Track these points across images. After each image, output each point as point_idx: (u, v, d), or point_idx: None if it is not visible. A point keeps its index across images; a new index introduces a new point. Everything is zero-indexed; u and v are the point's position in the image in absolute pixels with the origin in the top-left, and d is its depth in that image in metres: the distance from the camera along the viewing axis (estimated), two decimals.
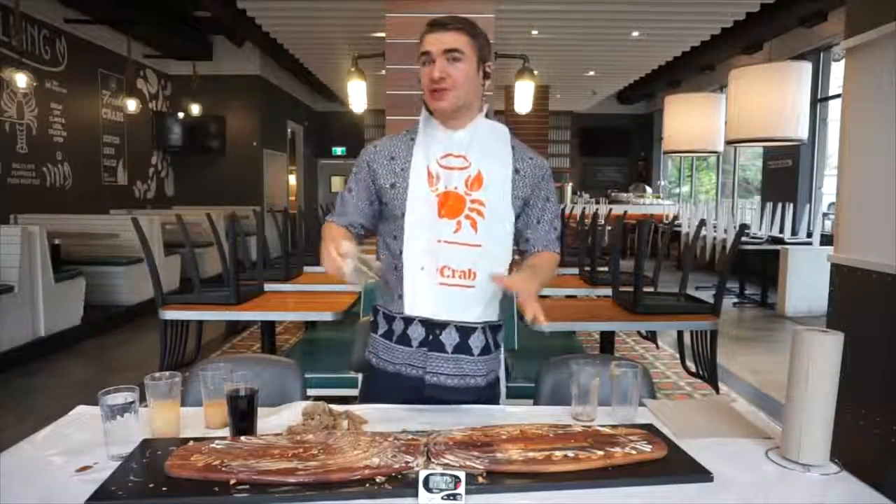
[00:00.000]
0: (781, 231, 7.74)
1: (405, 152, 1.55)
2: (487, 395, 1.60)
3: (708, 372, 3.08)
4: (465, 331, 1.53)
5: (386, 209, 1.56)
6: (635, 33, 6.86)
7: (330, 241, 1.38)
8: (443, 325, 1.52)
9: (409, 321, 1.53)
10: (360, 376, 2.92)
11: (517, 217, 1.57)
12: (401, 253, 1.51)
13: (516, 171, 1.55)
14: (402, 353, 1.56)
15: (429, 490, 1.05)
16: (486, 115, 1.56)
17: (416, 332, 1.54)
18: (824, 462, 1.21)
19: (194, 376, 1.60)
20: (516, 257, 1.63)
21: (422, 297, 1.49)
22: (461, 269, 1.48)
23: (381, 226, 1.61)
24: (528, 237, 1.60)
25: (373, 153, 1.58)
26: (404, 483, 1.09)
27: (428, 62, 1.46)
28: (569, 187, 12.63)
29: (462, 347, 1.54)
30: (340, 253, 1.34)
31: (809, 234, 7.36)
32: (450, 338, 1.53)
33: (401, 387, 1.55)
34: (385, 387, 1.57)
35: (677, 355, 3.73)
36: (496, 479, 1.11)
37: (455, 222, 1.47)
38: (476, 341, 1.55)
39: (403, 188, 1.51)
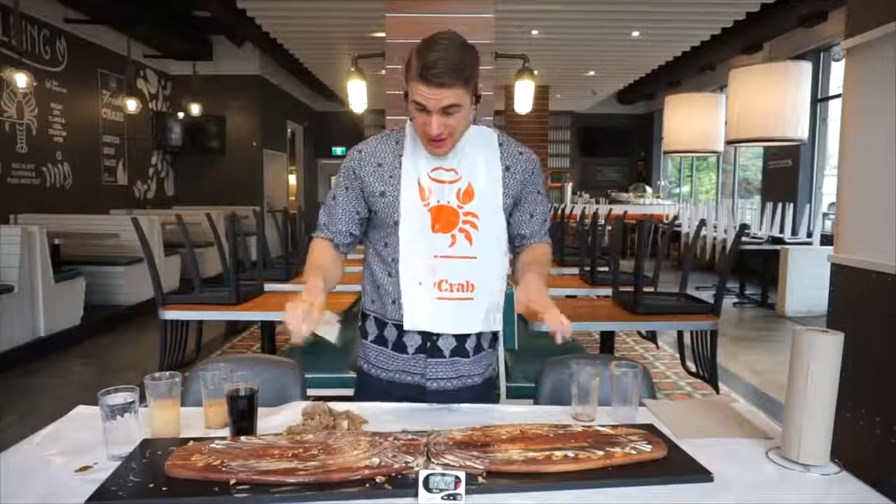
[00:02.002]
0: (781, 231, 7.75)
1: (392, 159, 1.51)
2: (485, 391, 1.60)
3: (708, 372, 3.08)
4: (461, 335, 1.53)
5: (376, 217, 1.53)
6: (635, 33, 6.86)
7: (307, 293, 1.34)
8: (439, 332, 1.52)
9: (403, 328, 1.52)
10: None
11: (510, 214, 1.56)
12: (394, 260, 1.50)
13: (507, 168, 1.52)
14: (398, 359, 1.55)
15: (429, 490, 1.05)
16: (474, 121, 1.52)
17: (413, 340, 1.53)
18: (824, 462, 1.21)
19: (194, 376, 1.59)
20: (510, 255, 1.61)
21: (420, 312, 1.48)
22: (459, 282, 1.47)
23: (370, 232, 1.58)
24: (524, 233, 1.58)
25: (358, 159, 1.53)
26: (404, 483, 1.09)
27: (422, 111, 1.38)
28: (569, 187, 12.63)
29: (459, 350, 1.54)
30: (308, 312, 1.29)
31: (809, 234, 7.36)
32: (447, 342, 1.53)
33: (397, 394, 1.54)
34: (380, 393, 1.56)
35: (677, 355, 3.73)
36: (496, 479, 1.11)
37: (450, 236, 1.46)
38: (470, 343, 1.56)
39: (394, 196, 1.49)
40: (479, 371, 1.58)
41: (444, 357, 1.53)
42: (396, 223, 1.48)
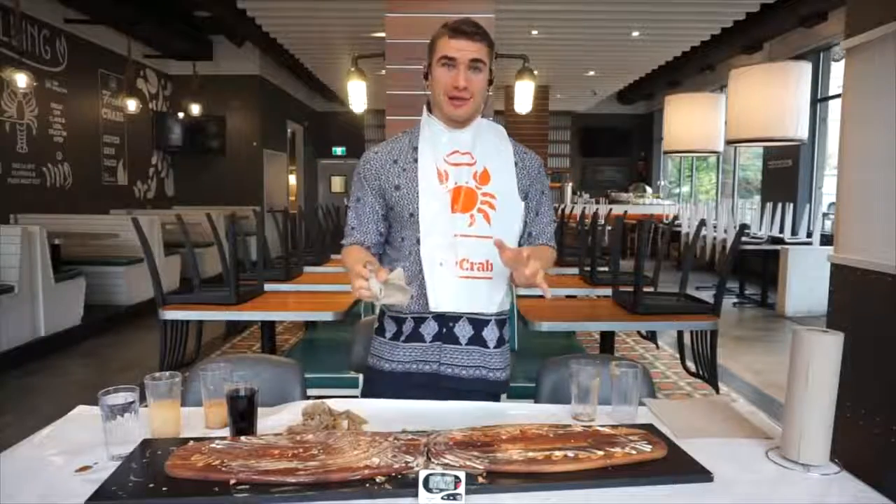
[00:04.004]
0: (781, 231, 7.74)
1: (407, 154, 1.57)
2: (500, 390, 1.63)
3: (708, 372, 3.08)
4: (478, 323, 1.56)
5: (392, 213, 1.58)
6: (635, 33, 6.86)
7: (358, 263, 1.35)
8: (456, 318, 1.54)
9: (420, 320, 1.55)
10: (360, 376, 2.92)
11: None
12: (409, 253, 1.53)
13: (515, 164, 1.59)
14: (414, 350, 1.57)
15: (429, 490, 1.05)
16: (483, 115, 1.60)
17: (429, 328, 1.55)
18: (824, 462, 1.21)
19: (194, 376, 1.59)
20: None
21: (444, 292, 1.50)
22: (479, 261, 1.50)
23: (389, 230, 1.62)
24: (531, 230, 1.64)
25: (374, 159, 1.59)
26: (404, 483, 1.09)
27: (450, 67, 1.47)
28: (569, 187, 12.63)
29: (476, 339, 1.56)
30: (368, 270, 1.29)
31: (809, 234, 7.36)
32: (463, 330, 1.55)
33: (413, 384, 1.55)
34: (393, 388, 1.56)
35: (677, 355, 3.73)
36: (496, 479, 1.11)
37: (469, 216, 1.50)
38: (490, 333, 1.58)
39: (409, 188, 1.53)
40: (500, 365, 1.61)
41: (460, 344, 1.56)
42: (412, 215, 1.52)
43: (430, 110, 1.58)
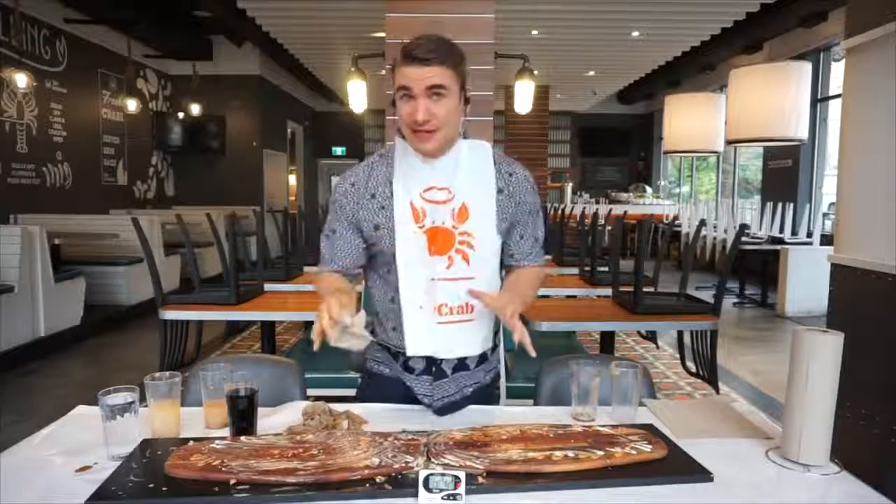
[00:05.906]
0: (781, 231, 7.75)
1: (384, 188, 1.47)
2: (488, 391, 1.61)
3: (708, 372, 3.08)
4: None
5: (374, 248, 1.51)
6: (635, 33, 6.86)
7: (330, 295, 1.28)
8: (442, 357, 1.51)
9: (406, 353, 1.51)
10: (360, 377, 2.92)
11: (505, 234, 1.53)
12: (397, 289, 1.46)
13: (500, 190, 1.48)
14: (407, 377, 1.54)
15: (429, 490, 1.05)
16: (464, 135, 1.47)
17: (418, 363, 1.52)
18: (824, 462, 1.21)
19: (194, 376, 1.59)
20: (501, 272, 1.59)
21: (422, 337, 1.45)
22: (458, 304, 1.44)
23: (373, 261, 1.55)
24: (513, 253, 1.55)
25: (351, 192, 1.49)
26: (404, 483, 1.09)
27: (407, 98, 1.35)
28: (569, 187, 12.63)
29: (461, 366, 1.53)
30: (332, 317, 1.23)
31: (809, 234, 7.36)
32: (449, 363, 1.52)
33: (411, 395, 1.54)
34: (392, 390, 1.55)
35: (677, 355, 3.74)
36: (496, 479, 1.11)
37: (446, 258, 1.42)
38: (471, 358, 1.54)
39: (388, 228, 1.45)
40: (481, 378, 1.58)
41: (447, 377, 1.52)
42: (394, 255, 1.44)
43: (402, 135, 1.46)
